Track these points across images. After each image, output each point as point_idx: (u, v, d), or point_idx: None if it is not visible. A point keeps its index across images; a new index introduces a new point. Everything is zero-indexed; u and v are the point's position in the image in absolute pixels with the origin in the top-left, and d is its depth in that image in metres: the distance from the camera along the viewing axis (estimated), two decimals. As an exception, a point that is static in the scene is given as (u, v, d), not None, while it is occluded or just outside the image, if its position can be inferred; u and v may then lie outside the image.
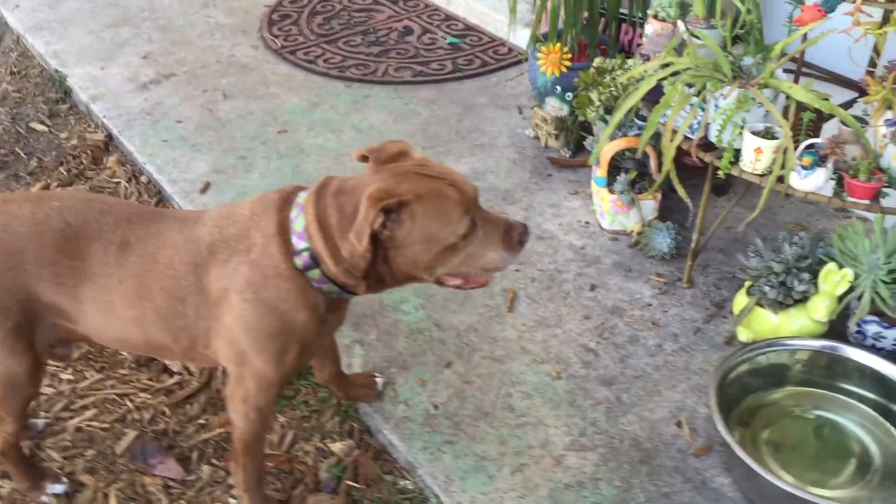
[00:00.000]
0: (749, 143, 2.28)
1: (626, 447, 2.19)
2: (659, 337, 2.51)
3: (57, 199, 1.82)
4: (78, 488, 2.19)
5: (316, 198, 1.73)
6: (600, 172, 2.88)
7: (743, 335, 2.45)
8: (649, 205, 2.87)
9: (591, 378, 2.39)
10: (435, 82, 3.86)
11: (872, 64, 2.53)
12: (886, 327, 2.26)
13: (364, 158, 1.77)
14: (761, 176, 2.29)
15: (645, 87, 2.39)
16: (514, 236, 1.75)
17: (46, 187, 3.34)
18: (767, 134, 2.28)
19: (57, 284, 1.79)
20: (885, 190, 2.20)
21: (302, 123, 3.59)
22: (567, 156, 3.30)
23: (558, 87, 3.26)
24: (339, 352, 2.22)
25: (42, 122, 3.82)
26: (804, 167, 2.19)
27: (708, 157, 2.39)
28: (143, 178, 3.37)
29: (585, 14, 3.25)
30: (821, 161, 2.20)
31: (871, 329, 2.28)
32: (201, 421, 2.37)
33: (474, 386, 2.36)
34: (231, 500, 2.15)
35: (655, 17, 2.67)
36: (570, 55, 3.20)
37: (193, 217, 1.85)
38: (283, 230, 1.74)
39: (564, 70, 3.20)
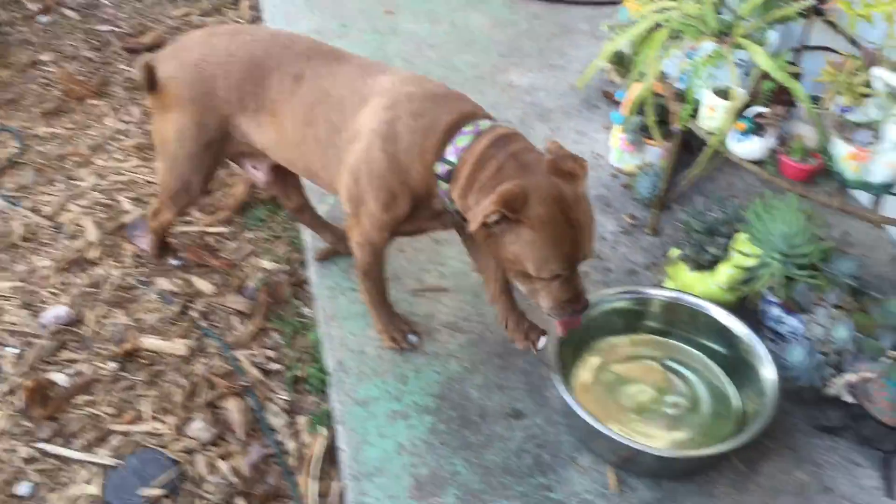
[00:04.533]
0: (706, 100, 2.28)
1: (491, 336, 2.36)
2: (591, 267, 2.59)
3: (249, 34, 2.19)
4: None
5: (492, 141, 1.87)
6: (622, 110, 2.93)
7: (669, 285, 2.49)
8: (657, 151, 2.89)
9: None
10: (551, 1, 3.97)
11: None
12: (788, 313, 2.22)
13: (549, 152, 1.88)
14: (709, 134, 2.29)
15: (638, 28, 2.44)
16: (567, 307, 1.91)
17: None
18: (727, 94, 2.26)
19: (242, 107, 2.14)
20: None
21: (409, 9, 3.87)
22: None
23: (633, 24, 3.28)
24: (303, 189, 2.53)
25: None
26: (740, 132, 2.18)
27: (675, 107, 2.41)
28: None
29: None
30: (759, 130, 2.17)
31: (774, 312, 2.24)
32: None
33: (411, 262, 2.61)
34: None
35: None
36: (651, -6, 3.20)
37: (378, 67, 2.09)
38: (449, 135, 1.91)
39: (645, 9, 3.21)
